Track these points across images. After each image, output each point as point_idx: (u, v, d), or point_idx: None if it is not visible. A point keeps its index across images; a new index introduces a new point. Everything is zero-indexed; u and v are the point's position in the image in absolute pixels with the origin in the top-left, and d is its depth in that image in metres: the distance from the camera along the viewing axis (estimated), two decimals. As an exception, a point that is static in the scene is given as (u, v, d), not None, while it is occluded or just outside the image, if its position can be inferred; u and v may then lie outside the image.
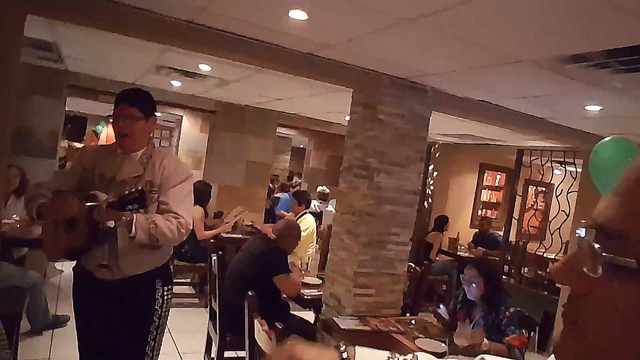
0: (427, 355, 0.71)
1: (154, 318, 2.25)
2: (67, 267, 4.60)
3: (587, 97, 3.39)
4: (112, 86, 5.77)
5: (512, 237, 7.12)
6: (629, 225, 0.40)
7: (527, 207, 7.48)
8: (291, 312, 3.68)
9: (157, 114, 2.38)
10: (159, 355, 2.36)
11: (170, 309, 2.36)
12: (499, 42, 2.48)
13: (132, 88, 2.38)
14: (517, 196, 6.77)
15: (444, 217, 7.08)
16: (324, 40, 2.87)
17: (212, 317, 3.57)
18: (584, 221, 0.45)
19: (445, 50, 2.73)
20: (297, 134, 9.92)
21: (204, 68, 4.42)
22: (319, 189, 8.42)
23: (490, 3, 1.97)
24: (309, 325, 3.67)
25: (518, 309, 2.93)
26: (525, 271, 6.91)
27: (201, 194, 5.01)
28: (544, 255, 6.38)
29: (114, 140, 2.27)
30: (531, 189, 8.01)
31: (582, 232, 0.44)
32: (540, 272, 6.70)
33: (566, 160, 5.67)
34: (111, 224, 2.11)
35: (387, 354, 0.69)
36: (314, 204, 7.92)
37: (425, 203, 7.69)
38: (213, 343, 3.53)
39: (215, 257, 3.51)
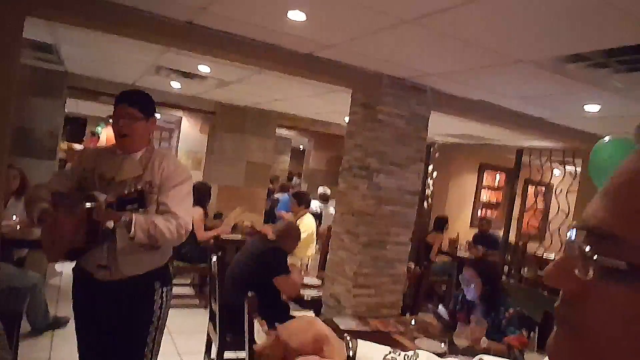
0: (427, 353, 0.71)
1: (153, 319, 2.25)
2: (67, 269, 4.60)
3: (586, 97, 3.39)
4: (112, 87, 5.78)
5: (512, 237, 7.12)
6: (619, 227, 0.40)
7: (526, 207, 7.48)
8: (291, 313, 3.68)
9: (157, 115, 2.39)
10: (159, 356, 2.36)
11: (170, 309, 2.36)
12: (498, 43, 2.48)
13: (132, 89, 2.39)
14: (516, 196, 6.77)
15: (444, 217, 7.08)
16: (323, 41, 2.88)
17: (212, 317, 3.57)
18: (574, 223, 0.45)
19: (445, 50, 2.73)
20: (297, 134, 9.93)
21: (204, 69, 4.42)
22: (320, 190, 8.40)
23: (490, 3, 1.97)
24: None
25: (518, 309, 2.93)
26: (525, 271, 6.90)
27: (201, 194, 5.01)
28: (544, 256, 6.38)
29: (114, 142, 2.27)
30: (531, 189, 8.00)
31: (572, 234, 0.44)
32: (540, 273, 6.69)
33: (565, 160, 5.68)
34: (110, 224, 2.11)
35: (388, 348, 0.69)
36: (315, 204, 7.91)
37: (425, 203, 7.69)
38: (213, 344, 3.53)
39: (215, 258, 3.51)
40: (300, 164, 12.99)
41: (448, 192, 8.12)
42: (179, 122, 7.97)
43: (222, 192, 6.81)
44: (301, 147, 12.87)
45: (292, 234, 3.78)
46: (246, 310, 2.59)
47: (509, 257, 7.03)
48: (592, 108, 3.63)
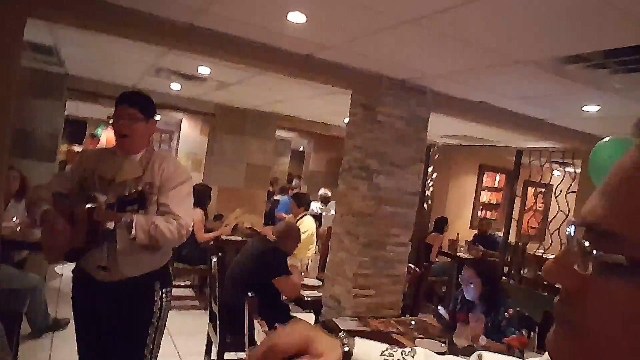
0: (425, 349, 0.71)
1: (153, 320, 2.25)
2: (67, 271, 4.60)
3: (586, 98, 3.39)
4: (112, 89, 5.78)
5: (512, 238, 7.11)
6: (618, 223, 0.40)
7: (526, 208, 7.48)
8: (291, 313, 3.68)
9: (157, 116, 2.39)
10: (159, 357, 2.36)
11: (170, 310, 2.36)
12: (498, 43, 2.48)
13: (133, 90, 2.40)
14: (516, 197, 6.77)
15: (444, 218, 7.08)
16: (323, 42, 2.88)
17: (212, 318, 3.57)
18: (573, 219, 0.45)
19: (444, 50, 2.73)
20: (297, 136, 9.93)
21: (204, 70, 4.43)
22: (321, 192, 8.39)
23: (490, 3, 1.98)
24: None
25: (518, 309, 2.93)
26: (525, 272, 6.90)
27: (201, 196, 5.01)
28: (544, 256, 6.38)
29: (114, 144, 2.28)
30: (530, 190, 8.00)
31: (571, 229, 0.44)
32: (540, 273, 6.68)
33: (565, 160, 5.68)
34: (111, 225, 2.11)
35: (385, 345, 0.69)
36: (315, 206, 7.90)
37: (425, 204, 7.69)
38: (213, 345, 3.53)
39: (215, 259, 3.51)
40: (300, 166, 13.00)
41: (448, 193, 8.12)
42: (179, 124, 7.98)
43: (222, 193, 6.81)
44: (301, 148, 12.88)
45: (292, 234, 3.78)
46: (246, 311, 2.59)
47: (509, 258, 7.02)
48: (592, 108, 3.63)
